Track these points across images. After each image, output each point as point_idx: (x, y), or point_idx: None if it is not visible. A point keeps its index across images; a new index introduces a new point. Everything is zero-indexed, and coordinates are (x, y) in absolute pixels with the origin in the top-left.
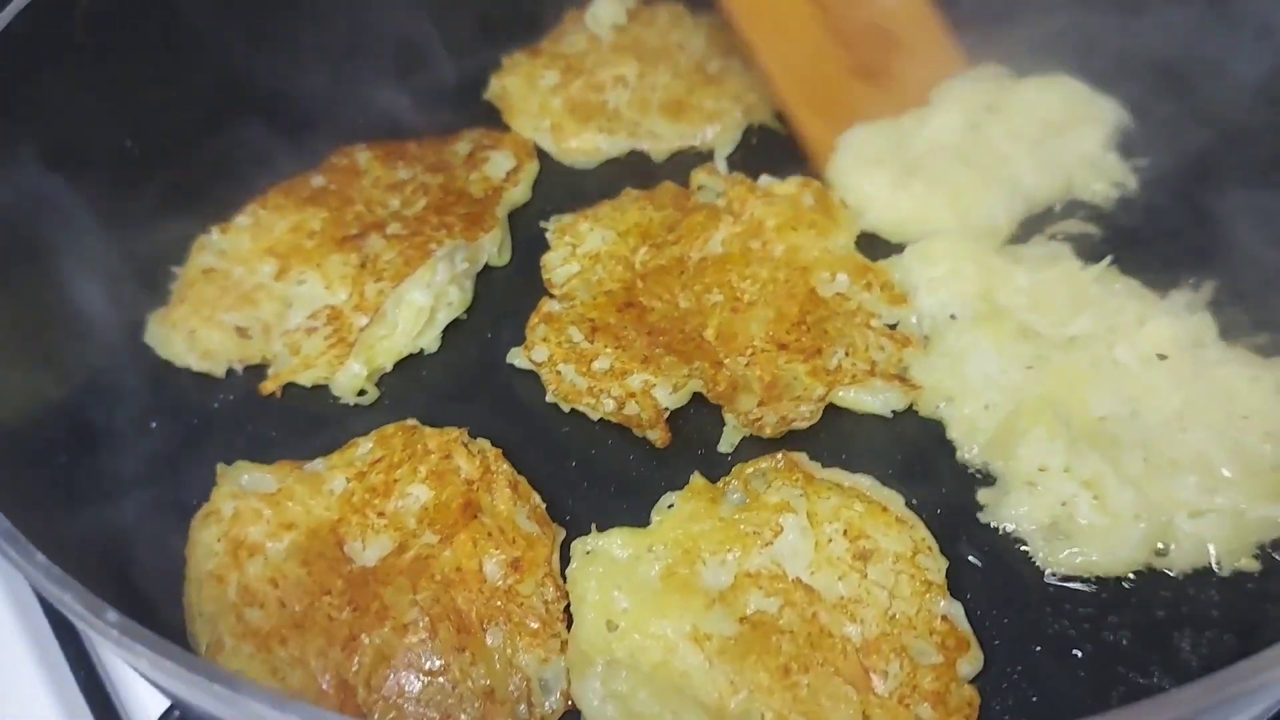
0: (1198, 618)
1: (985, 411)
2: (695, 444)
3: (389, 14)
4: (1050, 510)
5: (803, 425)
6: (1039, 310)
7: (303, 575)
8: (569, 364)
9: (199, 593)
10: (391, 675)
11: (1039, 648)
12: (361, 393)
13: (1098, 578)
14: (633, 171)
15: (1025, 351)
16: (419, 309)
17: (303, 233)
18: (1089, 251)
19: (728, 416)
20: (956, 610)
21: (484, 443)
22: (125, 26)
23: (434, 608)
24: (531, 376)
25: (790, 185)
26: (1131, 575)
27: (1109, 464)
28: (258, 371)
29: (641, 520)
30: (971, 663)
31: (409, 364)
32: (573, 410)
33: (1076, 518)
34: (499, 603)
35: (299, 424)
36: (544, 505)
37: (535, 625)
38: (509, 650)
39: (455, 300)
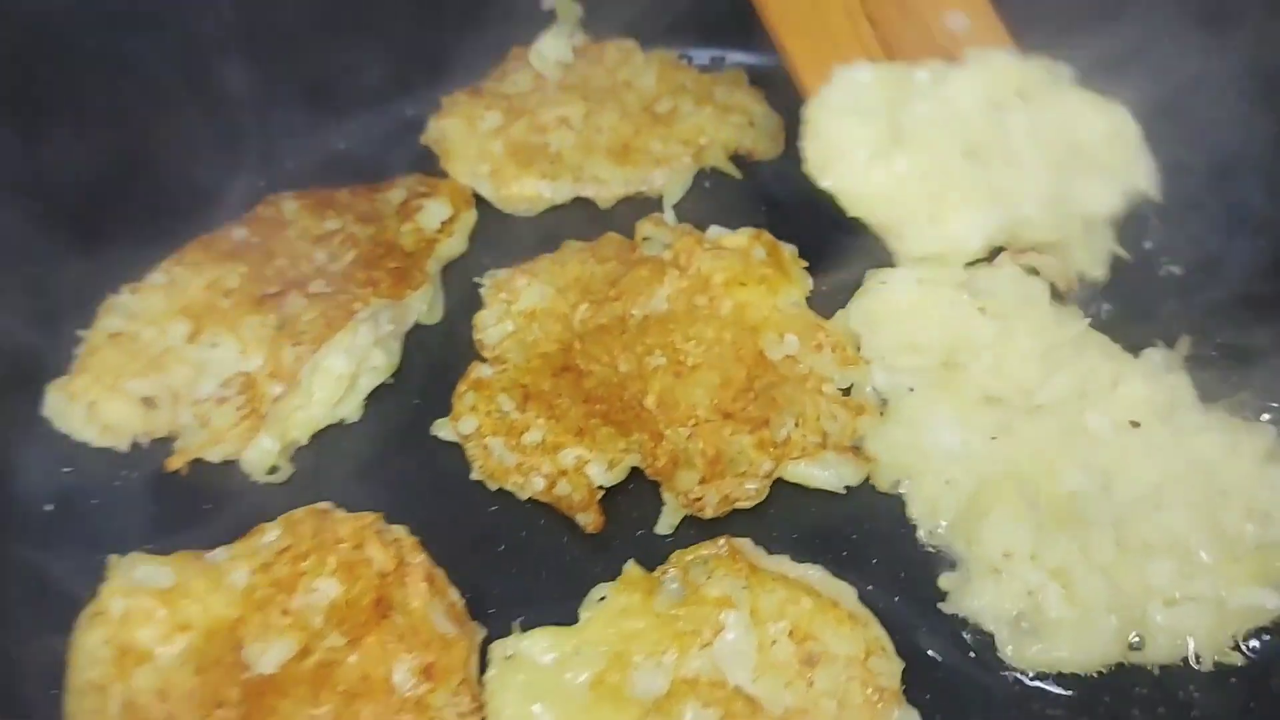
0: (1177, 718)
1: (947, 488)
2: (632, 525)
3: (321, 53)
4: (1016, 601)
5: (747, 504)
6: (1004, 376)
7: (195, 685)
8: (497, 437)
9: (79, 704)
10: None
11: None
12: (273, 470)
13: (1068, 675)
14: (577, 220)
15: (989, 420)
16: (338, 376)
17: (218, 291)
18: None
19: (666, 495)
20: (912, 718)
21: (400, 530)
22: (24, 64)
23: None
24: (458, 450)
25: (740, 237)
26: (1104, 671)
27: (1078, 548)
28: (165, 445)
29: (572, 612)
30: None
31: (328, 434)
32: (500, 489)
33: (1045, 610)
34: (408, 717)
35: (206, 505)
36: (462, 601)
37: None
38: None
39: (380, 364)
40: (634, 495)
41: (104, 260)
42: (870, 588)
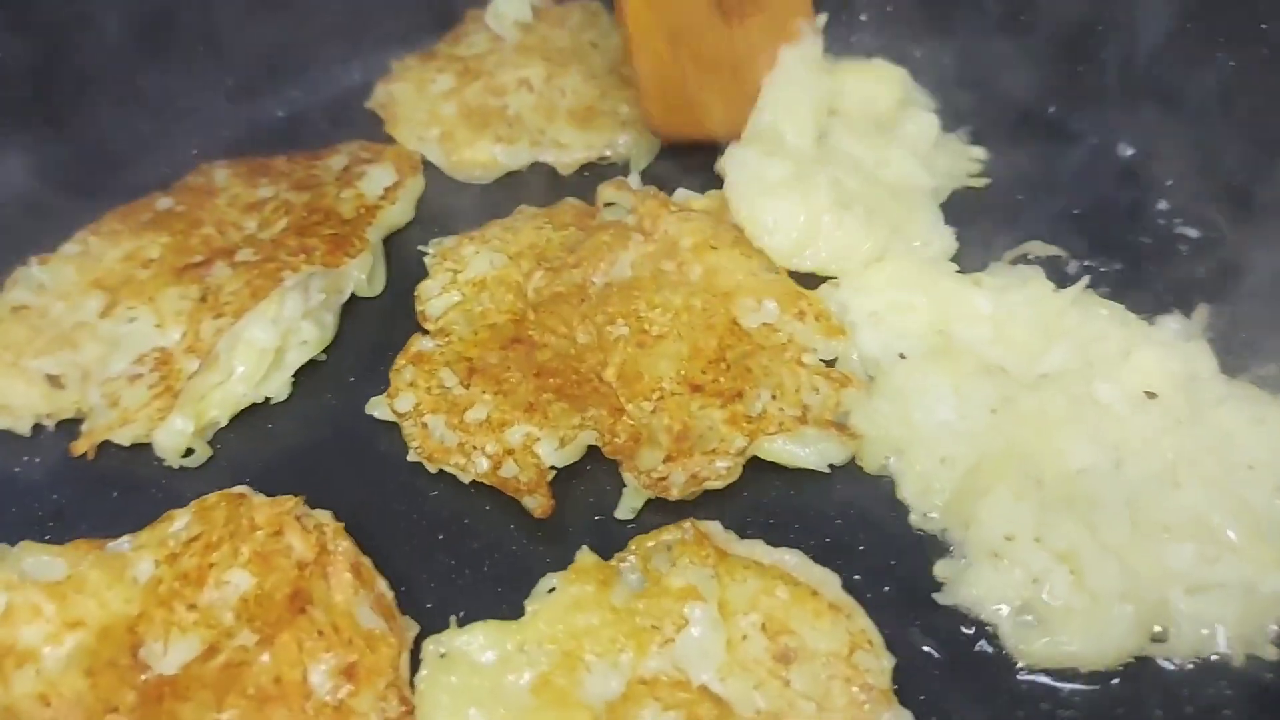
0: (1206, 719)
1: (942, 466)
2: (589, 510)
3: (262, 13)
4: (1020, 589)
5: (718, 485)
6: (1005, 343)
7: (84, 689)
8: (438, 414)
9: None
10: None
11: None
12: (188, 453)
13: (1081, 672)
14: (536, 189)
15: (988, 392)
16: (261, 350)
17: (137, 261)
18: (1063, 276)
19: (627, 475)
20: None
21: (323, 515)
22: None
23: None
24: (396, 431)
25: (712, 199)
26: (1121, 668)
27: (1087, 530)
28: (72, 428)
29: (519, 607)
30: None
31: (252, 416)
32: (441, 471)
33: (1052, 598)
34: None
35: (113, 492)
36: (392, 594)
37: None
38: None
39: (310, 338)
40: (592, 477)
41: (12, 229)
42: (857, 577)
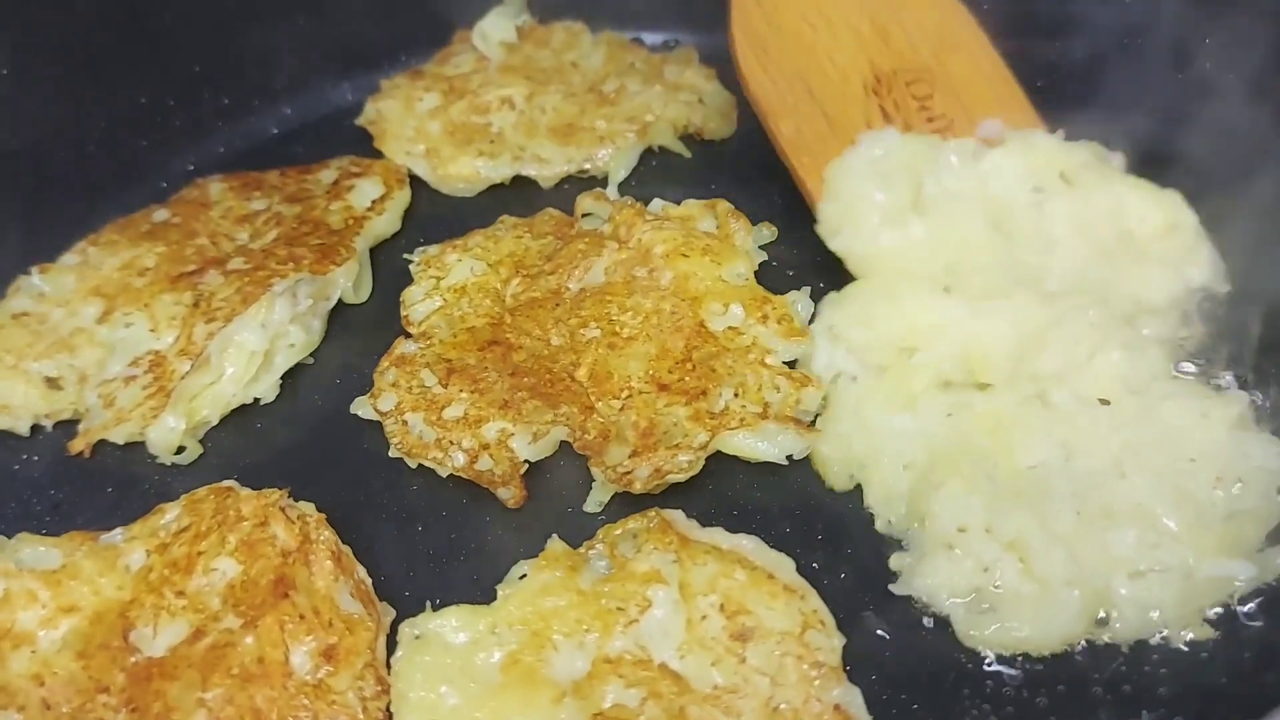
0: (1144, 697)
1: (905, 472)
2: (560, 503)
3: (254, 37)
4: (971, 578)
5: (680, 478)
6: (969, 359)
7: (76, 670)
8: (417, 412)
9: None
10: None
11: None
12: (180, 450)
13: (1028, 655)
14: (519, 201)
15: (945, 401)
16: (251, 352)
17: (134, 270)
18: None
19: (596, 471)
20: (853, 697)
21: (306, 507)
22: None
23: (225, 709)
24: (379, 429)
25: (688, 207)
26: (1065, 649)
27: (1035, 520)
28: (69, 429)
29: (493, 594)
30: None
31: (242, 416)
32: (421, 466)
33: (1002, 585)
34: (305, 701)
35: (108, 488)
36: (370, 581)
37: None
38: None
39: (298, 342)
40: (563, 472)
41: (14, 241)
42: (815, 565)
